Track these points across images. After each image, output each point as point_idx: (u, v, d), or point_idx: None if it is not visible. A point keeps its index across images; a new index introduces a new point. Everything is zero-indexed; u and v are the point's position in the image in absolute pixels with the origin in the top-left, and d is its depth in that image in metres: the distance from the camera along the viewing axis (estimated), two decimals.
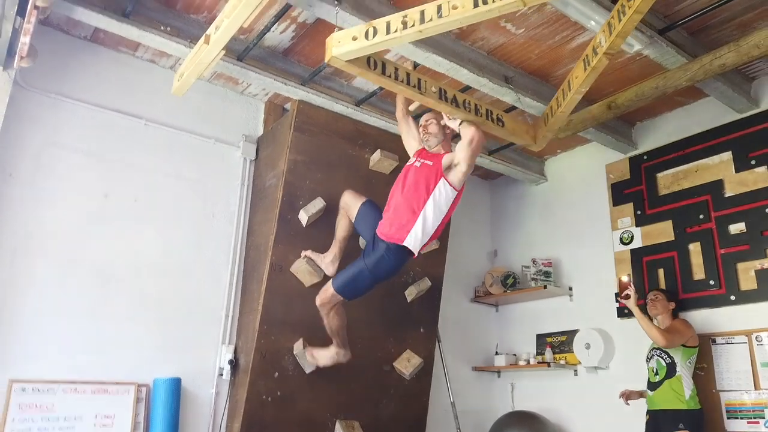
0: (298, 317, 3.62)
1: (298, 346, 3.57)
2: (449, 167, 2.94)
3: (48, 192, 3.35)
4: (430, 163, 3.01)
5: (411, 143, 3.33)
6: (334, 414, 3.72)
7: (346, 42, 2.52)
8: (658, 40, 3.14)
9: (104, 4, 3.10)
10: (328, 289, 3.15)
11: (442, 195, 2.94)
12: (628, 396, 3.76)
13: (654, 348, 3.62)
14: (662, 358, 3.54)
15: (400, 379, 4.05)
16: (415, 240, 2.93)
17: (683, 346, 3.51)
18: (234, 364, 3.62)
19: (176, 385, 3.35)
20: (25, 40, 2.46)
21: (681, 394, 3.43)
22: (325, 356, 3.42)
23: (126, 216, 3.55)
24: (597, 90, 3.77)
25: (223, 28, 2.64)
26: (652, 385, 3.57)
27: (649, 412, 3.58)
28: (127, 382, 3.29)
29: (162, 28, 3.24)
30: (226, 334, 3.71)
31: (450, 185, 2.94)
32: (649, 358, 3.65)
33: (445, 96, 2.91)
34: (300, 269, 3.62)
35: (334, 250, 3.49)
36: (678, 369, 3.48)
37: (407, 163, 3.19)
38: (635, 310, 3.57)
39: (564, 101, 2.98)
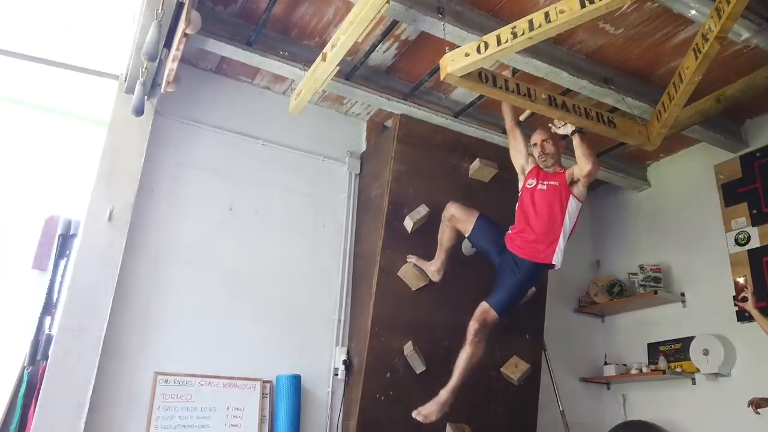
0: (407, 320, 3.76)
1: (408, 347, 3.70)
2: (572, 182, 3.15)
3: (182, 206, 3.74)
4: (556, 183, 3.18)
5: (516, 156, 3.47)
6: (445, 417, 3.77)
7: (459, 59, 2.72)
8: (767, 28, 3.08)
9: (230, 35, 3.48)
10: (489, 312, 3.10)
11: (573, 209, 3.17)
12: (757, 404, 3.54)
13: None
14: None
15: (508, 386, 4.05)
16: (559, 255, 3.15)
17: None
18: (348, 364, 3.80)
19: (297, 381, 3.57)
20: (173, 66, 2.84)
21: None
22: (433, 409, 3.13)
23: (248, 227, 3.89)
24: (703, 86, 3.65)
25: (339, 45, 2.90)
26: None
27: None
28: (254, 378, 3.55)
29: (280, 53, 3.58)
30: (339, 336, 3.91)
31: (577, 199, 3.16)
32: None
33: (555, 102, 3.04)
34: (407, 273, 3.77)
35: (441, 258, 3.61)
36: None
37: (527, 185, 3.29)
38: (754, 313, 3.42)
39: (677, 94, 2.99)
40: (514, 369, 4.04)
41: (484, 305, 3.13)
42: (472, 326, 3.09)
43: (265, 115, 4.18)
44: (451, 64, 2.72)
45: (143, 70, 3.04)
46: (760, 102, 3.96)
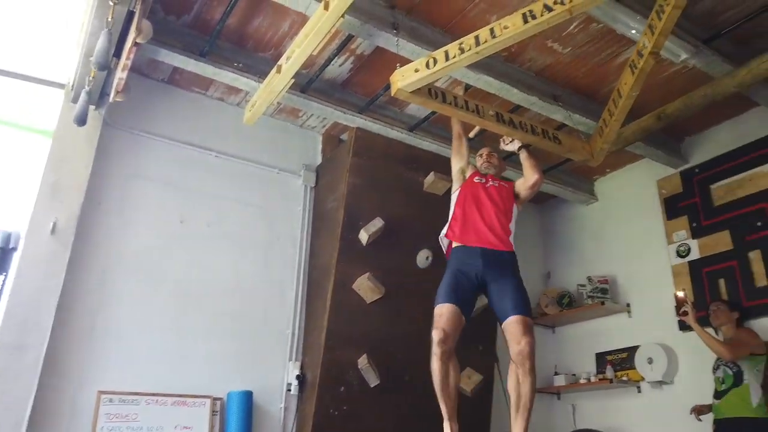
0: (361, 333, 3.75)
1: (362, 360, 3.69)
2: (516, 195, 3.18)
3: (132, 218, 3.65)
4: (506, 185, 3.21)
5: (458, 160, 3.42)
6: (399, 429, 3.78)
7: (409, 75, 2.75)
8: (703, 50, 3.24)
9: (184, 45, 3.44)
10: (528, 322, 2.76)
11: (515, 213, 3.15)
12: (699, 411, 3.68)
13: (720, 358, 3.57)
14: (728, 367, 3.49)
15: (462, 397, 4.07)
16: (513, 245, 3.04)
17: (750, 354, 3.46)
18: (301, 379, 3.75)
19: (248, 397, 3.50)
20: (122, 75, 2.78)
21: (748, 402, 3.36)
22: None
23: (200, 240, 3.81)
24: (645, 105, 3.86)
25: (294, 58, 2.91)
26: (719, 394, 3.51)
27: (715, 421, 3.51)
28: (204, 396, 3.46)
29: (235, 64, 3.55)
30: (292, 351, 3.86)
31: (517, 207, 3.17)
32: (715, 369, 3.60)
33: (503, 118, 3.11)
34: (362, 286, 3.77)
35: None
36: (745, 378, 3.42)
37: (475, 180, 3.20)
38: (695, 326, 3.58)
39: (616, 109, 3.10)
40: (468, 381, 4.07)
41: (517, 319, 2.74)
42: (530, 344, 2.69)
43: (219, 127, 4.13)
44: (402, 79, 2.75)
45: (90, 79, 2.96)
46: (698, 120, 4.17)
